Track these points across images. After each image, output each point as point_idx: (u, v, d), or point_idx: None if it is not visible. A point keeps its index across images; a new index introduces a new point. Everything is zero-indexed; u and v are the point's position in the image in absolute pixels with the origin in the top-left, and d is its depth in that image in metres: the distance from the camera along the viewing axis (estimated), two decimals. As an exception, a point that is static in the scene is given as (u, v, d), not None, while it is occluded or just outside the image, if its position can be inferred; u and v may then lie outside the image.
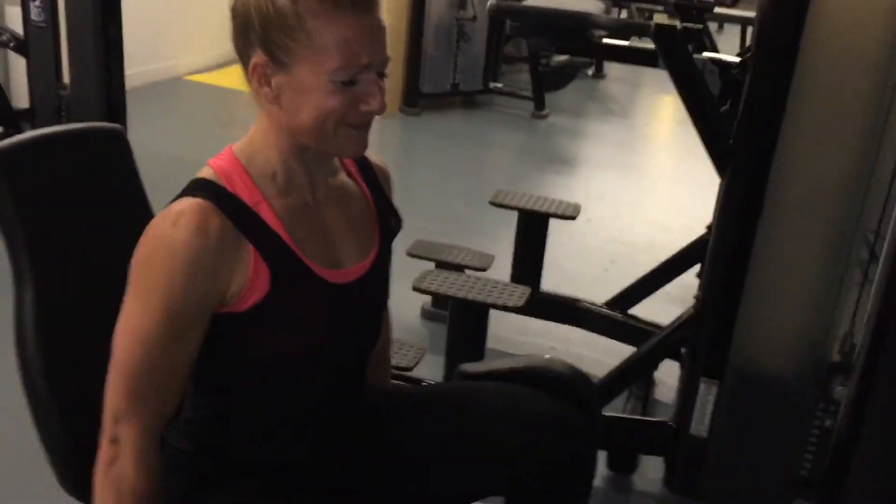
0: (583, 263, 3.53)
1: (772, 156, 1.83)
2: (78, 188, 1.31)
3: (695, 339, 2.04)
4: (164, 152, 4.22)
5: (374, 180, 1.24)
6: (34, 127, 3.50)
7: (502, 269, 2.89)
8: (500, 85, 5.78)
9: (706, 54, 2.04)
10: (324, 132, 1.06)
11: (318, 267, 1.11)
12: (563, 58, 5.39)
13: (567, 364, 1.43)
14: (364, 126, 1.08)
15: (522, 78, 6.30)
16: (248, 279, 1.05)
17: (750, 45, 2.10)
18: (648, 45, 2.15)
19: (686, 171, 4.90)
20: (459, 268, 2.83)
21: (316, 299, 1.11)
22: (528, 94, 5.59)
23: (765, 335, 1.97)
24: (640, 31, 1.91)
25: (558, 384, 1.39)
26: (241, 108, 5.24)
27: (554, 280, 3.05)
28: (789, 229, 1.88)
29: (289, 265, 1.08)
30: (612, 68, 6.88)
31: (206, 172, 1.10)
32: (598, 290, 3.21)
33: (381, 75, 1.07)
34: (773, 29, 1.78)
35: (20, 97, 3.87)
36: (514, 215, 2.84)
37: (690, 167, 4.90)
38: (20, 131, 3.46)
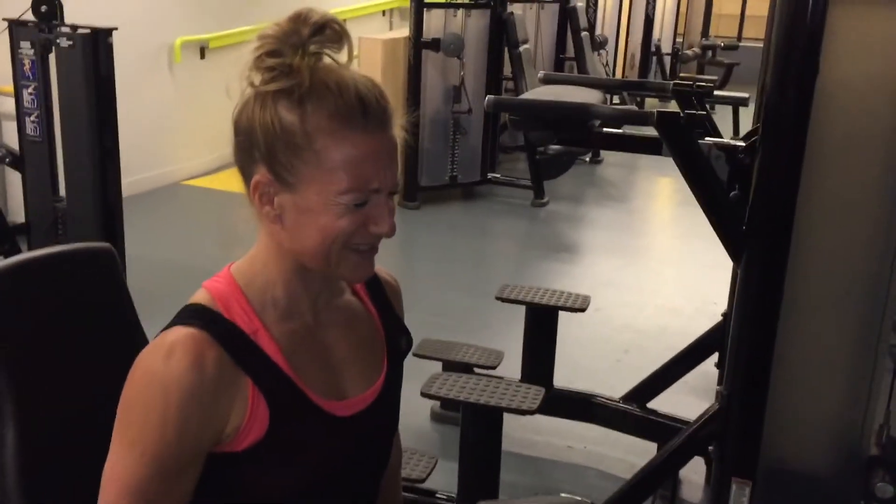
0: (595, 355, 3.42)
1: (789, 240, 1.76)
2: (64, 315, 1.23)
3: (722, 436, 1.93)
4: (162, 260, 4.17)
5: (382, 297, 1.16)
6: (30, 242, 3.46)
7: (512, 364, 2.79)
8: (498, 175, 5.79)
9: (710, 139, 1.99)
10: (328, 255, 0.98)
11: (320, 399, 1.02)
12: (559, 146, 5.40)
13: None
14: (370, 250, 1.01)
15: (520, 167, 6.32)
16: (246, 416, 0.96)
17: (756, 128, 2.06)
18: (650, 132, 2.12)
19: (689, 252, 4.85)
20: (468, 367, 2.74)
21: (319, 435, 1.02)
22: (527, 182, 5.59)
23: (796, 430, 1.86)
24: (642, 120, 1.87)
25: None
26: (238, 212, 5.21)
27: (566, 374, 2.95)
28: (813, 316, 1.80)
29: (289, 399, 0.99)
30: (609, 153, 6.92)
31: (201, 297, 1.01)
32: (613, 382, 3.11)
33: (392, 194, 1.00)
34: (781, 110, 1.73)
35: (17, 212, 3.85)
36: (521, 307, 2.76)
37: (693, 248, 4.86)
38: (16, 247, 3.42)
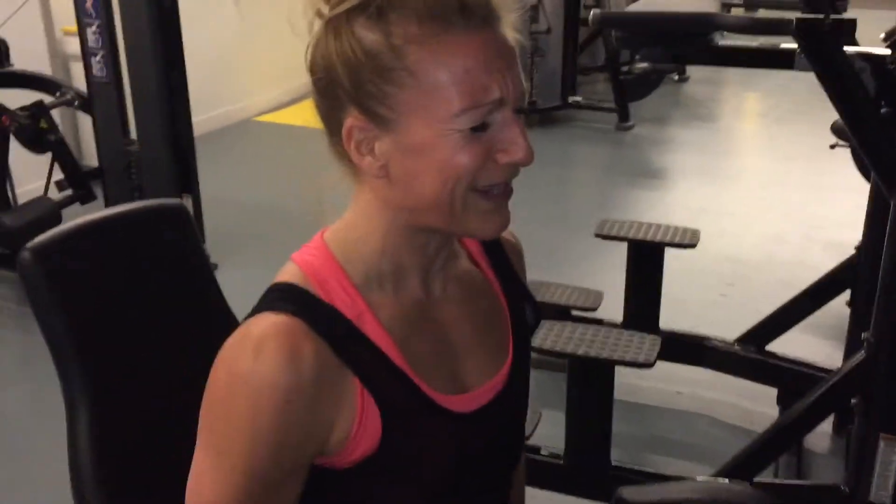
0: (697, 290, 3.18)
1: (957, 164, 1.50)
2: (136, 282, 1.08)
3: (868, 388, 1.71)
4: (238, 200, 4.07)
5: (503, 260, 0.96)
6: (105, 186, 3.37)
7: (611, 305, 2.59)
8: (579, 99, 5.48)
9: (852, 48, 1.72)
10: (452, 205, 0.77)
11: (440, 395, 0.84)
12: (645, 64, 5.04)
13: (756, 492, 1.13)
14: (504, 193, 0.80)
15: (599, 89, 5.98)
16: (355, 423, 0.79)
17: (904, 32, 1.77)
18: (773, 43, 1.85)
19: (789, 173, 4.51)
20: (566, 310, 2.56)
21: (441, 438, 0.84)
22: (611, 105, 5.27)
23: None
24: (777, 29, 1.61)
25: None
26: (311, 146, 5.05)
27: (667, 312, 2.72)
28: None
29: (405, 399, 0.81)
30: (694, 69, 6.49)
31: (290, 273, 0.81)
32: (719, 319, 2.89)
33: (521, 112, 0.79)
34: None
35: (90, 156, 3.77)
36: (616, 242, 2.54)
37: (793, 169, 4.52)
38: (90, 192, 3.33)
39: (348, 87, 0.77)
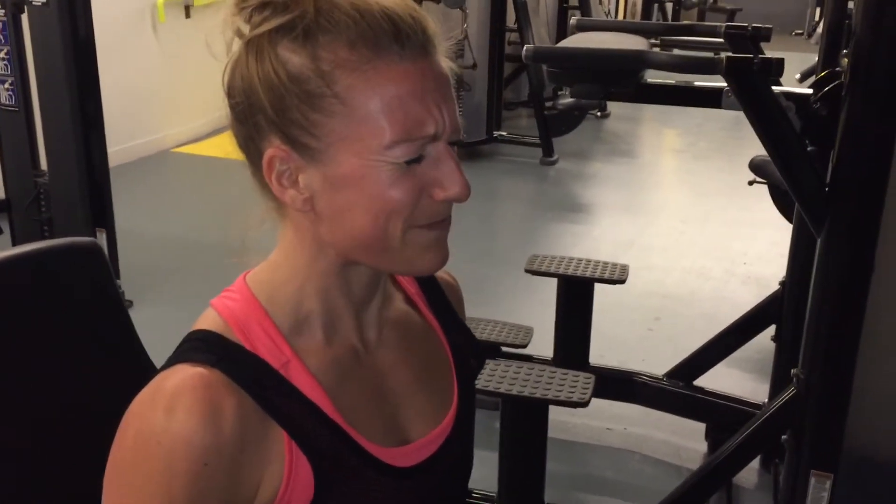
0: (624, 325, 3.19)
1: (881, 202, 1.53)
2: (41, 332, 0.99)
3: (799, 424, 1.71)
4: (154, 233, 3.92)
5: (442, 301, 0.91)
6: (11, 220, 3.20)
7: (542, 341, 2.57)
8: (503, 133, 5.52)
9: (778, 88, 1.75)
10: (387, 242, 0.73)
11: (378, 448, 0.78)
12: (569, 100, 5.12)
13: None
14: (443, 223, 0.75)
15: (522, 124, 6.04)
16: (283, 481, 0.72)
17: (826, 74, 1.81)
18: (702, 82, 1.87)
19: (710, 208, 4.61)
20: (495, 346, 2.52)
21: (380, 495, 0.78)
22: (534, 140, 5.32)
23: (884, 416, 1.65)
24: (708, 68, 1.62)
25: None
26: (231, 179, 4.93)
27: (596, 346, 2.72)
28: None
29: (338, 453, 0.75)
30: (614, 105, 6.62)
31: (209, 320, 0.75)
32: (646, 354, 2.91)
33: (455, 144, 0.75)
34: (874, 52, 1.49)
35: (-4, 187, 3.58)
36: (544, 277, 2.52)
37: (713, 204, 4.63)
38: (-5, 226, 3.16)
39: (270, 114, 0.71)
